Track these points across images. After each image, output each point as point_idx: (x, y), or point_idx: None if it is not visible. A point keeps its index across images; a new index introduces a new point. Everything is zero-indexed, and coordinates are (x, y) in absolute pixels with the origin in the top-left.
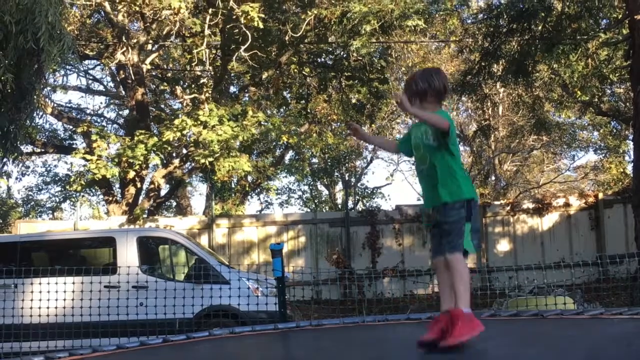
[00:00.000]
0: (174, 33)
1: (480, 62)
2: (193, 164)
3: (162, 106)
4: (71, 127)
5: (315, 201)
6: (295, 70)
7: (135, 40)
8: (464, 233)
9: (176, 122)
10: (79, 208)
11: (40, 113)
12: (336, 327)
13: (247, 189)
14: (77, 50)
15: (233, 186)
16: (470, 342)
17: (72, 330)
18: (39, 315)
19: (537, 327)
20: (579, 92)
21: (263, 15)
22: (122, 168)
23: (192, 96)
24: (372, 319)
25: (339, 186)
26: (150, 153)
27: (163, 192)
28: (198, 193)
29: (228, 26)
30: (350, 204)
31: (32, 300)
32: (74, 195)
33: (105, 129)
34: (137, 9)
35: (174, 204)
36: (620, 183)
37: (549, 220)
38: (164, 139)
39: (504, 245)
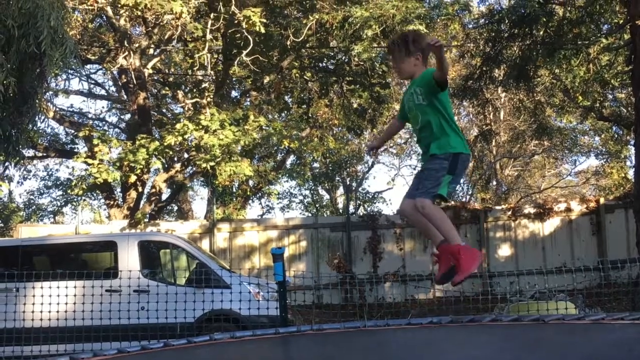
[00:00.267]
0: (175, 37)
1: (482, 66)
2: (194, 168)
3: (164, 110)
4: (73, 131)
5: (317, 206)
6: (297, 74)
7: (137, 45)
8: (441, 183)
9: (178, 126)
10: (80, 212)
11: (42, 117)
12: (337, 332)
13: (248, 193)
14: (79, 54)
15: (234, 190)
16: (472, 346)
17: (74, 334)
18: (41, 319)
19: (539, 332)
20: (580, 97)
21: (265, 20)
22: (123, 172)
23: (194, 100)
24: (373, 323)
25: (340, 191)
26: (151, 157)
27: (164, 197)
28: (199, 197)
29: (230, 31)
30: (351, 208)
31: (33, 304)
32: (75, 200)
33: (107, 133)
34: (139, 13)
35: (175, 208)
36: (622, 188)
37: (550, 225)
38: (165, 143)
39: (505, 250)
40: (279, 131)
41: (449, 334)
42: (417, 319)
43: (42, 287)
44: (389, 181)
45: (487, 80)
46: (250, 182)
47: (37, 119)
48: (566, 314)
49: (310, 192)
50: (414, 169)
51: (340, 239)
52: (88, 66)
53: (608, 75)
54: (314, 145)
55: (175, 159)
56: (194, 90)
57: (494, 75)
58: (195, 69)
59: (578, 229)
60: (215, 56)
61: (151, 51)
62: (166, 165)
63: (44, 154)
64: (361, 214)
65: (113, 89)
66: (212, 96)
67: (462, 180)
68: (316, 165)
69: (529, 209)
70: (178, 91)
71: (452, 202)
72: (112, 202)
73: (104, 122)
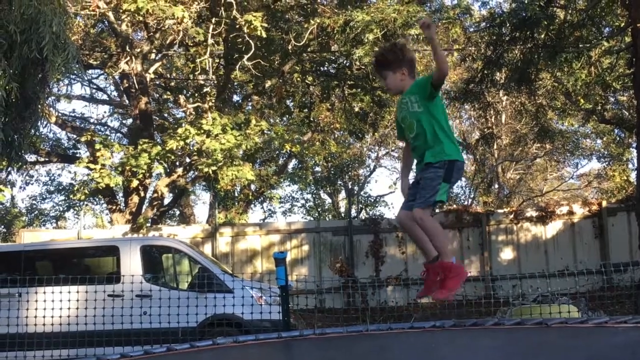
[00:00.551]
0: (177, 42)
1: (483, 70)
2: (196, 173)
3: (166, 115)
4: (75, 136)
5: (319, 210)
6: (298, 79)
7: (138, 50)
8: (438, 191)
9: (179, 131)
10: (82, 217)
11: (44, 122)
12: (340, 336)
13: (250, 197)
14: (81, 59)
15: (236, 195)
16: (475, 351)
17: (76, 339)
18: (43, 324)
19: (541, 336)
20: (582, 100)
21: (266, 25)
22: (125, 177)
23: (196, 105)
24: (375, 327)
25: (342, 194)
26: (153, 162)
27: (166, 201)
28: (201, 202)
29: (231, 35)
30: (353, 212)
31: (36, 309)
32: (77, 204)
33: (109, 138)
34: (141, 18)
35: (177, 212)
36: (624, 191)
37: (552, 228)
38: (167, 148)
39: (507, 254)
40: (281, 135)
41: (451, 338)
42: (419, 322)
43: (44, 292)
44: (391, 185)
45: (488, 83)
46: (252, 187)
47: (39, 124)
48: (569, 318)
49: (312, 196)
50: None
51: (343, 243)
52: (90, 71)
53: (610, 78)
54: (315, 149)
55: (177, 163)
56: (196, 94)
57: (495, 78)
58: (196, 73)
59: (580, 232)
60: (217, 61)
61: (153, 56)
62: (168, 170)
63: (46, 159)
64: (363, 217)
65: (115, 93)
66: (213, 101)
67: (463, 184)
68: (318, 169)
69: (531, 212)
70: (180, 96)
71: (454, 206)
72: (114, 207)
73: (106, 127)
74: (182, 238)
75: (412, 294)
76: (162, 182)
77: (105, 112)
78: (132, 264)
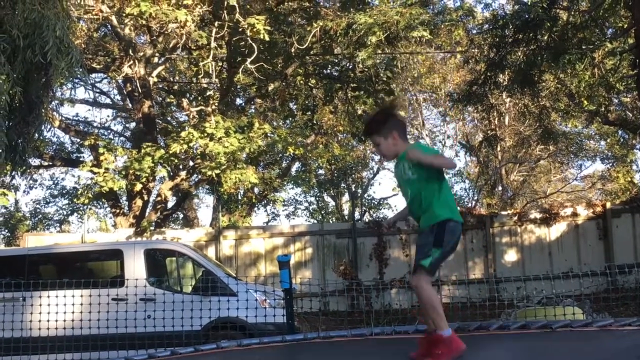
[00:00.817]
0: (180, 46)
1: (486, 72)
2: (200, 176)
3: (169, 119)
4: (78, 140)
5: (322, 212)
6: (301, 81)
7: (141, 54)
8: (428, 257)
9: (183, 134)
10: (86, 221)
11: (48, 126)
12: (344, 339)
13: (253, 200)
14: (85, 63)
15: (240, 198)
16: (480, 354)
17: (80, 343)
18: (47, 328)
19: (546, 340)
20: (585, 101)
21: (269, 28)
22: (129, 180)
23: (199, 108)
24: (379, 330)
25: (346, 197)
26: (157, 165)
27: (170, 205)
28: (205, 205)
29: (234, 39)
30: (357, 214)
31: (40, 313)
32: (81, 208)
33: (112, 141)
34: (144, 22)
35: (181, 216)
36: (628, 192)
37: (556, 230)
38: (170, 152)
39: (511, 256)
40: (284, 138)
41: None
42: (424, 325)
43: (48, 296)
44: (394, 187)
45: (491, 85)
46: (256, 190)
47: (43, 128)
48: (574, 319)
49: (315, 199)
50: None
51: (346, 246)
52: (93, 75)
53: (613, 80)
54: (319, 152)
55: (181, 167)
56: (199, 98)
57: (498, 80)
58: (200, 76)
59: (584, 234)
60: (220, 64)
61: (156, 59)
62: (171, 173)
63: (50, 163)
64: (367, 220)
65: (118, 97)
66: (216, 104)
67: (467, 187)
68: (321, 172)
69: (535, 214)
70: (183, 99)
71: (458, 208)
72: (118, 211)
73: (109, 131)
74: (185, 241)
75: (416, 297)
76: (166, 185)
77: (108, 115)
78: (136, 268)
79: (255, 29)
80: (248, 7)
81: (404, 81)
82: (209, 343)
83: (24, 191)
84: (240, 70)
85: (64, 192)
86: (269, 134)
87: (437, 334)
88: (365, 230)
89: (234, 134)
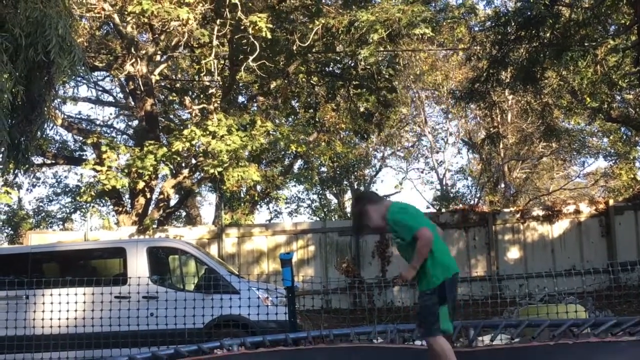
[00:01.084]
0: (182, 44)
1: (489, 69)
2: (202, 174)
3: (171, 116)
4: (81, 138)
5: (325, 210)
6: (304, 79)
7: (144, 52)
8: (438, 318)
9: (185, 132)
10: (89, 219)
11: (51, 124)
12: (346, 337)
13: (256, 198)
14: (87, 62)
15: (242, 196)
16: None
17: (83, 340)
18: (50, 326)
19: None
20: (588, 98)
21: (271, 26)
22: (131, 178)
23: (201, 106)
24: (382, 328)
25: (348, 195)
26: (159, 163)
27: (172, 202)
28: (207, 203)
29: (236, 36)
30: None
31: (43, 311)
32: (84, 206)
33: (115, 139)
34: (146, 20)
35: (184, 214)
36: (631, 189)
37: (559, 227)
38: (173, 149)
39: (514, 253)
40: (286, 136)
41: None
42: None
43: (51, 294)
44: (397, 184)
45: (494, 82)
46: (258, 187)
47: (45, 126)
48: (575, 317)
49: (318, 197)
50: (422, 172)
51: (349, 243)
52: (96, 73)
53: (616, 77)
54: (321, 149)
55: (183, 164)
56: (201, 96)
57: (501, 77)
58: (202, 74)
59: (587, 231)
60: (222, 62)
61: (158, 58)
62: (174, 171)
63: (53, 161)
64: None
65: (120, 95)
66: (219, 102)
67: (470, 184)
68: (324, 169)
69: (537, 212)
70: (185, 97)
71: (460, 206)
72: (120, 209)
73: (111, 129)
74: (188, 239)
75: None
76: (168, 183)
77: (111, 114)
78: (138, 266)
79: (257, 27)
80: (250, 4)
81: (406, 78)
82: (211, 341)
83: (27, 189)
84: (243, 68)
85: (67, 190)
86: (271, 132)
87: None
88: None
89: (236, 131)
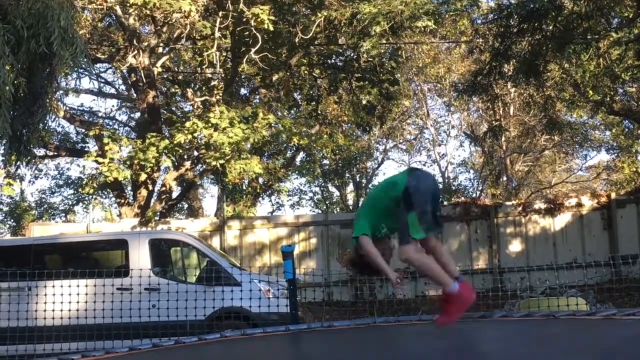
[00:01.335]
0: (184, 36)
1: (491, 62)
2: (204, 166)
3: (173, 109)
4: (83, 130)
5: (327, 202)
6: (306, 71)
7: (146, 44)
8: (409, 225)
9: (187, 124)
10: (91, 211)
11: (53, 116)
12: (348, 328)
13: (258, 190)
14: (89, 53)
15: (244, 188)
16: (483, 343)
17: (85, 332)
18: (53, 318)
19: (549, 328)
20: (590, 91)
21: (273, 18)
22: (133, 171)
23: (203, 98)
24: (383, 320)
25: (350, 187)
26: (161, 155)
27: (174, 195)
28: (209, 195)
29: (238, 29)
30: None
31: (45, 302)
32: (86, 198)
33: (117, 131)
34: (148, 12)
35: (186, 206)
36: (633, 183)
37: (561, 220)
38: (175, 142)
39: (515, 246)
40: (289, 128)
41: (459, 330)
42: (427, 315)
43: (53, 286)
44: None
45: (496, 75)
46: (260, 180)
47: (47, 118)
48: (577, 310)
49: (320, 189)
50: (424, 164)
51: (351, 236)
52: (98, 65)
53: (618, 70)
54: (323, 142)
55: (185, 157)
56: (203, 88)
57: (503, 70)
58: (204, 67)
59: (589, 224)
60: (224, 54)
61: (160, 50)
62: (176, 164)
63: (55, 153)
64: None
65: (123, 87)
66: (221, 94)
67: (472, 177)
68: (326, 162)
69: (539, 205)
70: (187, 89)
71: (462, 198)
72: (122, 201)
73: (114, 121)
74: (190, 231)
75: (420, 286)
76: (170, 175)
77: (113, 106)
78: (140, 258)
79: (259, 19)
80: None
81: (408, 71)
82: (213, 332)
83: (30, 181)
84: (245, 60)
85: (69, 182)
86: (273, 124)
87: (446, 291)
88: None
89: (238, 124)
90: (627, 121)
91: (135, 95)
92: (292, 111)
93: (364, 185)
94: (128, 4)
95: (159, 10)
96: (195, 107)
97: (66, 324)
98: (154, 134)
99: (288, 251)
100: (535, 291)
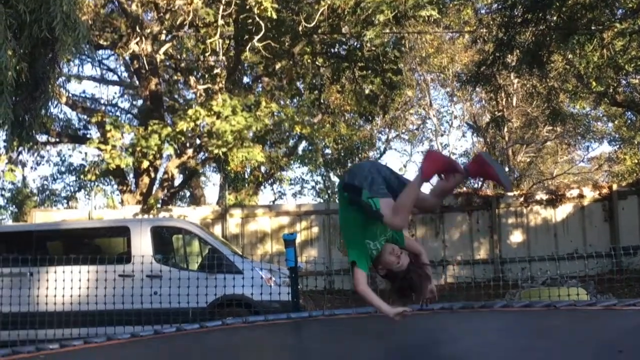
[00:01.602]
0: (187, 23)
1: (495, 52)
2: (206, 154)
3: (176, 96)
4: (85, 116)
5: (329, 192)
6: (309, 60)
7: (149, 31)
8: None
9: (190, 112)
10: (93, 197)
11: (55, 102)
12: (349, 317)
13: (260, 179)
14: (92, 40)
15: (246, 176)
16: (482, 333)
17: (87, 318)
18: (54, 303)
19: (550, 318)
20: (594, 82)
21: (276, 5)
22: (136, 158)
23: (206, 86)
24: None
25: None
26: (163, 143)
27: (177, 182)
28: (211, 183)
29: (241, 16)
30: None
31: (47, 288)
32: (88, 185)
33: (119, 119)
34: None
35: (188, 194)
36: (635, 174)
37: (562, 211)
38: (177, 129)
39: (517, 237)
40: (291, 117)
41: (460, 320)
42: (429, 305)
43: (55, 272)
44: (401, 167)
45: (500, 66)
46: (262, 168)
47: (49, 104)
48: (578, 300)
49: (322, 178)
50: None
51: None
52: (100, 52)
53: (622, 61)
54: (325, 131)
55: (188, 144)
56: (206, 76)
57: (507, 61)
58: (207, 54)
59: (590, 216)
60: (227, 42)
61: (163, 37)
62: (178, 151)
63: (57, 140)
64: None
65: (125, 74)
66: (224, 82)
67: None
68: (328, 151)
69: (541, 196)
70: (190, 77)
71: (464, 189)
72: (125, 188)
73: (116, 108)
74: (192, 219)
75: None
76: (173, 163)
77: (115, 93)
78: (142, 245)
79: (262, 7)
80: None
81: (411, 61)
82: (214, 320)
83: (32, 167)
84: (248, 48)
85: (71, 168)
86: (275, 113)
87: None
88: None
89: (240, 112)
90: (629, 113)
91: (137, 82)
92: (295, 100)
93: None
94: None
95: None
96: (198, 94)
97: (68, 310)
98: (157, 121)
99: (290, 239)
100: (536, 281)
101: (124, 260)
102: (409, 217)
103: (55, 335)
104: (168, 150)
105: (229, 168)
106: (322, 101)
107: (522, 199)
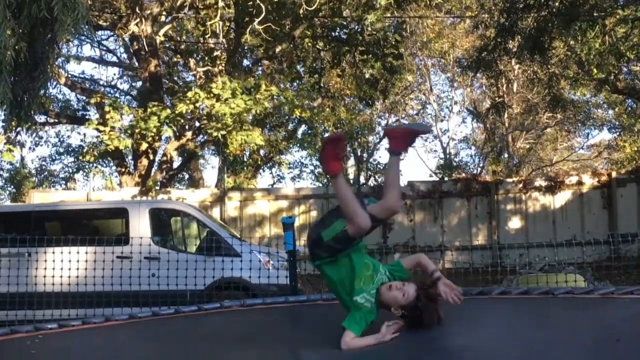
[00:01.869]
0: (187, 5)
1: (496, 38)
2: (205, 137)
3: (175, 78)
4: (84, 97)
5: (327, 176)
6: (309, 44)
7: (148, 12)
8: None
9: (189, 94)
10: (92, 179)
11: (54, 83)
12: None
13: (259, 162)
14: (91, 20)
15: (245, 160)
16: (480, 321)
17: (85, 299)
18: (52, 284)
19: (547, 306)
20: (595, 69)
21: None
22: (134, 140)
23: (206, 69)
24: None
25: (351, 161)
26: (163, 125)
27: (175, 165)
28: (210, 166)
29: None
30: (362, 179)
31: (45, 269)
32: (87, 166)
33: (119, 100)
34: None
35: (186, 176)
36: (634, 162)
37: (561, 198)
38: (176, 112)
39: (515, 223)
40: (291, 101)
41: (458, 306)
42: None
43: (53, 253)
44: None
45: (501, 51)
46: (261, 152)
47: (48, 84)
48: (575, 287)
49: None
50: (425, 140)
51: None
52: (99, 32)
53: (624, 48)
54: (325, 115)
55: (187, 127)
56: (206, 58)
57: (508, 46)
58: (207, 36)
59: (589, 203)
60: (227, 24)
61: (163, 18)
62: (177, 134)
63: (56, 120)
64: (372, 184)
65: (124, 56)
66: (223, 64)
67: (473, 153)
68: (327, 135)
69: (540, 182)
70: (190, 59)
71: (463, 175)
72: (123, 170)
73: (115, 89)
74: (190, 202)
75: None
76: (172, 145)
77: (114, 74)
78: (140, 227)
79: None
80: None
81: (412, 45)
82: (212, 302)
83: (30, 148)
84: (248, 30)
85: (70, 149)
86: (275, 96)
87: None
88: (370, 195)
89: (240, 95)
90: (630, 100)
91: (137, 64)
92: (295, 83)
93: (365, 159)
94: None
95: None
96: (198, 77)
97: (65, 291)
98: (156, 103)
99: (288, 223)
100: (534, 268)
101: (122, 241)
102: (401, 199)
103: (53, 315)
104: (167, 132)
105: (228, 151)
106: (322, 85)
107: (521, 185)
